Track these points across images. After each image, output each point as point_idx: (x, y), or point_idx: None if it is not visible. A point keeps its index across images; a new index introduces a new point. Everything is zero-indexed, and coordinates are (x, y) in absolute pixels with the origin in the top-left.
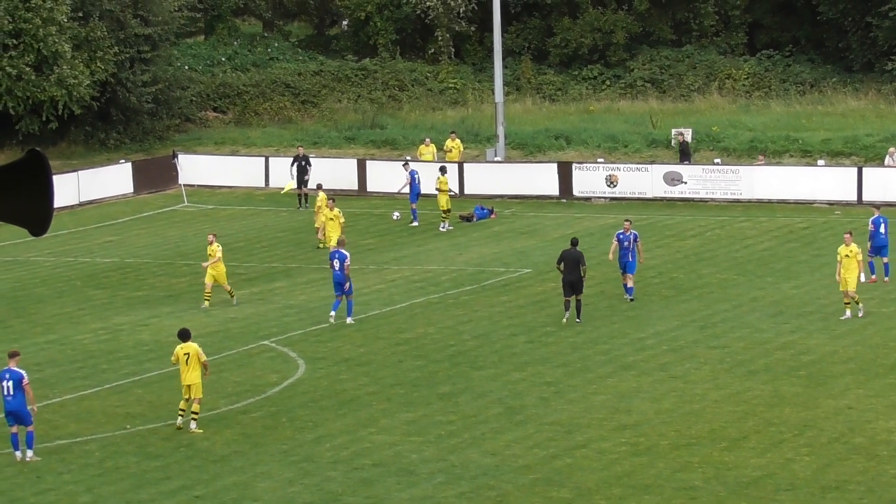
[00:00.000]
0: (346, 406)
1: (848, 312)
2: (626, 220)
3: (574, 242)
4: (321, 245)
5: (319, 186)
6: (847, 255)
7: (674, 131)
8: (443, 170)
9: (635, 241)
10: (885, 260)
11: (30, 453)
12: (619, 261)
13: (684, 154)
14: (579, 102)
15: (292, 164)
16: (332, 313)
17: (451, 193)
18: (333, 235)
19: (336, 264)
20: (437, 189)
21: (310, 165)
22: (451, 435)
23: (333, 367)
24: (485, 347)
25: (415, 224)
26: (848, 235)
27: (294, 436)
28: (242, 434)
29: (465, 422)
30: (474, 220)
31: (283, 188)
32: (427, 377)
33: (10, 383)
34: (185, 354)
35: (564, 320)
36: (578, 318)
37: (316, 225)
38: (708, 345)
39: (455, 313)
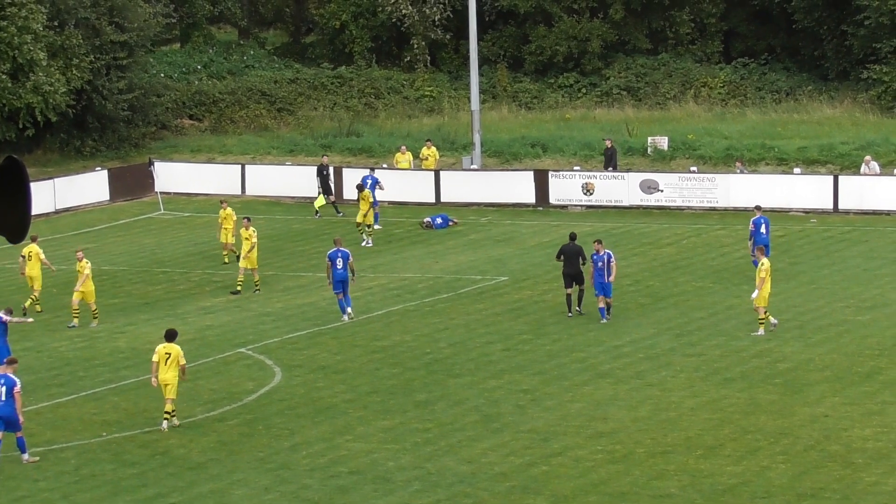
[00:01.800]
0: (322, 414)
1: (761, 329)
2: (597, 242)
3: (573, 237)
4: (227, 260)
5: (223, 203)
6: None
7: (650, 139)
8: (360, 187)
9: (609, 261)
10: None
11: (25, 456)
12: (595, 282)
13: (609, 160)
14: (555, 110)
15: (317, 175)
16: (348, 310)
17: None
18: (251, 262)
19: (339, 262)
20: (359, 201)
21: (329, 176)
22: (428, 443)
23: (310, 374)
24: (461, 355)
25: (376, 227)
26: (758, 250)
27: (270, 443)
28: (219, 442)
29: (442, 429)
30: (432, 227)
31: (314, 204)
32: (403, 385)
33: (4, 389)
34: (166, 354)
35: (569, 315)
36: (579, 307)
37: (221, 240)
38: (684, 353)
39: (431, 321)
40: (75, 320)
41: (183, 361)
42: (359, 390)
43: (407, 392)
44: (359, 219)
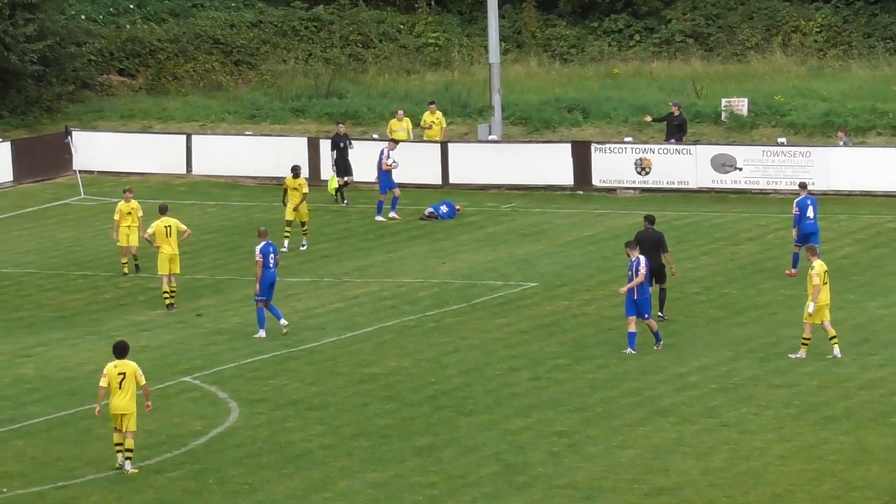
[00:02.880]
0: (292, 463)
1: (835, 350)
2: (628, 245)
3: (650, 220)
4: (126, 270)
5: (127, 191)
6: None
7: (724, 101)
8: (295, 171)
9: (636, 269)
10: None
11: None
12: (627, 295)
13: (674, 130)
14: (600, 64)
15: (332, 149)
16: (282, 321)
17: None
18: (168, 262)
19: (272, 260)
20: (288, 192)
21: (351, 147)
22: (432, 501)
23: (276, 411)
24: (476, 386)
25: (378, 218)
26: (808, 250)
27: (225, 502)
28: (156, 499)
29: (451, 484)
30: (436, 218)
31: (328, 188)
32: (400, 425)
33: None
34: (119, 374)
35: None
36: (661, 311)
37: (120, 242)
38: (770, 382)
39: (437, 341)
40: None
41: (143, 381)
42: (341, 433)
43: (405, 435)
44: (288, 215)
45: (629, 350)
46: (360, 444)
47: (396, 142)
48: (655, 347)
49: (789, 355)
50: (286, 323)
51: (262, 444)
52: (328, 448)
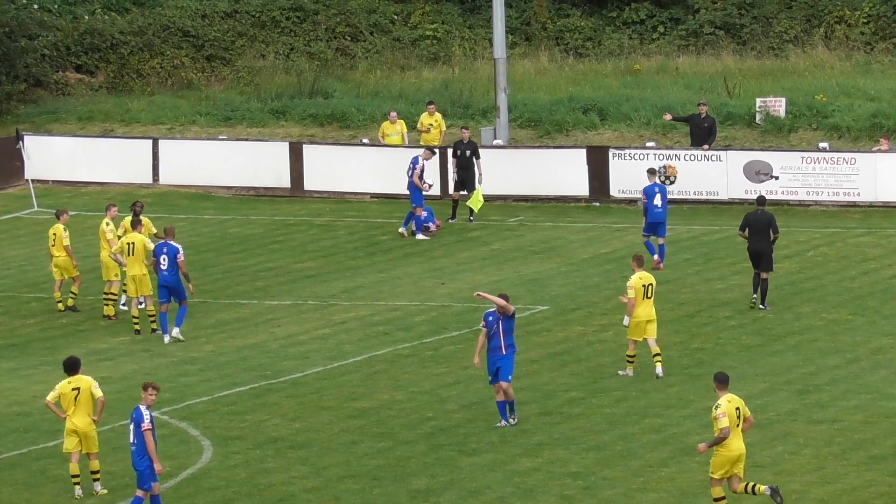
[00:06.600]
0: None
1: (658, 369)
2: (501, 296)
3: (761, 202)
4: (60, 305)
5: (59, 215)
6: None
7: (759, 101)
8: (134, 212)
9: (504, 329)
10: (661, 241)
11: None
12: (488, 359)
13: (702, 134)
14: (619, 59)
15: (454, 155)
16: (168, 334)
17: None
18: (133, 284)
19: (164, 262)
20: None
21: (477, 157)
22: None
23: (255, 450)
24: (479, 422)
25: (419, 237)
26: (634, 260)
27: None
28: None
29: None
30: (432, 227)
31: (469, 203)
32: (394, 466)
33: (131, 426)
34: (73, 390)
35: (753, 298)
36: (763, 304)
37: (57, 274)
38: (810, 418)
39: (435, 371)
40: None
41: (99, 394)
42: (327, 474)
43: (399, 476)
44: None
45: (502, 423)
46: (349, 486)
47: (433, 150)
48: (503, 423)
49: (619, 372)
50: (175, 336)
51: (238, 486)
52: (312, 491)
